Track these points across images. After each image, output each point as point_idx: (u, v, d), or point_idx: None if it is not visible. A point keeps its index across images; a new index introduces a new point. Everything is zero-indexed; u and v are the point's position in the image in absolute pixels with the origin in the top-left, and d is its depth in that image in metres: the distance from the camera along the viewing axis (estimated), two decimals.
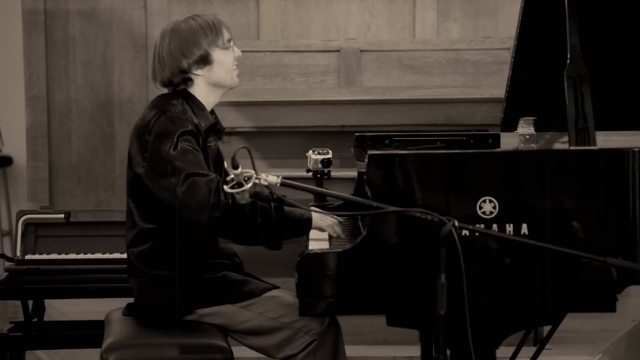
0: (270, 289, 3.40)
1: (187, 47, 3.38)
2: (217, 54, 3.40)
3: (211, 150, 3.45)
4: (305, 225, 3.29)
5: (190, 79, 3.40)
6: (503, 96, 3.79)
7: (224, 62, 3.41)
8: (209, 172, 3.26)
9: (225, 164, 3.51)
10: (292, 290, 3.21)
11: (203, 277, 3.34)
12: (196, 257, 3.34)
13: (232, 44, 3.44)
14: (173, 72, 3.39)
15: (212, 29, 3.40)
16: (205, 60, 3.39)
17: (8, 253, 5.98)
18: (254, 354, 3.44)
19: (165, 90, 3.48)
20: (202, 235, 3.33)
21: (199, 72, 3.40)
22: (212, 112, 3.48)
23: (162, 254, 3.34)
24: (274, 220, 3.23)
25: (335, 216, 3.38)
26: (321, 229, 3.33)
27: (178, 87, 3.42)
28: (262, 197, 3.50)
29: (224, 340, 3.30)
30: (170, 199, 3.24)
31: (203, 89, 3.42)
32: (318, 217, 3.31)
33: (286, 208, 3.27)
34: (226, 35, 3.42)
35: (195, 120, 3.36)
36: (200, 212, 3.19)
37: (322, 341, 3.30)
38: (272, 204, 3.26)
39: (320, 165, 3.88)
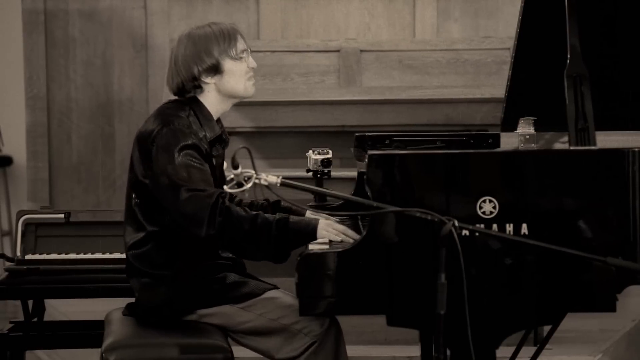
0: (270, 289, 3.40)
1: (199, 55, 3.37)
2: (228, 64, 3.39)
3: (216, 160, 3.44)
4: (310, 236, 3.25)
5: (201, 87, 3.40)
6: (503, 96, 3.80)
7: (235, 72, 3.40)
8: (210, 187, 3.25)
9: (225, 165, 3.51)
10: (292, 291, 3.20)
11: (204, 277, 3.34)
12: (198, 258, 3.34)
13: (246, 54, 3.42)
14: (186, 79, 3.39)
15: (226, 39, 3.39)
16: (215, 69, 3.38)
17: (8, 253, 5.98)
18: (254, 354, 3.44)
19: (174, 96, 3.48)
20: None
21: (208, 80, 3.39)
22: (219, 120, 3.47)
23: (164, 254, 3.34)
24: (275, 236, 3.21)
25: (344, 222, 3.38)
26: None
27: (189, 93, 3.41)
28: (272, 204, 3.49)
29: (224, 340, 3.30)
30: (172, 212, 3.25)
31: (213, 97, 3.41)
32: (324, 227, 3.25)
33: (292, 218, 3.25)
34: (240, 45, 3.40)
35: (201, 134, 3.35)
36: (197, 227, 3.19)
37: (323, 343, 3.30)
38: (277, 216, 3.24)
39: (320, 165, 3.88)
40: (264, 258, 3.27)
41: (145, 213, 3.35)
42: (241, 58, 3.41)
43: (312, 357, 3.29)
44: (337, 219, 3.39)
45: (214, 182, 3.32)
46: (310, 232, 3.24)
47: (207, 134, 3.38)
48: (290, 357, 3.30)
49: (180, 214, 3.22)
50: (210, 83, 3.40)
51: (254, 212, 3.25)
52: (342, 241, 3.26)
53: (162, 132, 3.29)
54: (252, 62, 3.44)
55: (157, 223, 3.34)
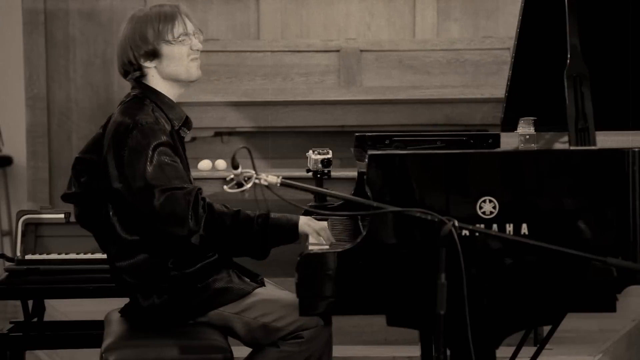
0: (255, 288, 3.38)
1: (134, 40, 3.32)
2: (165, 49, 3.32)
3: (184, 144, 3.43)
4: (292, 232, 3.26)
5: (142, 71, 3.36)
6: (503, 96, 3.79)
7: (174, 56, 3.33)
8: (187, 183, 3.23)
9: (225, 165, 3.50)
10: (292, 290, 3.20)
11: (194, 286, 3.31)
12: (183, 266, 3.31)
13: (188, 37, 3.34)
14: (123, 63, 3.36)
15: (162, 22, 3.31)
16: (153, 54, 3.33)
17: (8, 253, 5.97)
18: None
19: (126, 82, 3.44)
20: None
21: (148, 64, 3.35)
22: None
23: (150, 266, 3.30)
24: (256, 232, 3.22)
25: (325, 219, 3.37)
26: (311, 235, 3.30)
27: (134, 77, 3.36)
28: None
29: (224, 341, 3.30)
30: (149, 215, 3.20)
31: (160, 82, 3.37)
32: (304, 222, 3.27)
33: (273, 215, 3.25)
34: (179, 29, 3.33)
35: (168, 127, 3.31)
36: (179, 225, 3.16)
37: (311, 339, 3.30)
38: (257, 212, 3.23)
39: (320, 165, 3.88)
40: (245, 254, 3.27)
41: (123, 223, 3.30)
42: (180, 41, 3.34)
43: (295, 347, 3.29)
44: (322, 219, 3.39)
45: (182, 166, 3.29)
46: (291, 228, 3.25)
47: (175, 122, 3.36)
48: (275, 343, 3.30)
49: (159, 216, 3.18)
50: (150, 67, 3.35)
51: (235, 209, 3.24)
52: (327, 240, 3.26)
53: (132, 134, 3.23)
54: (196, 44, 3.36)
55: (137, 232, 3.30)
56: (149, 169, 3.19)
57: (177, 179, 3.21)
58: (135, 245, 3.31)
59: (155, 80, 3.37)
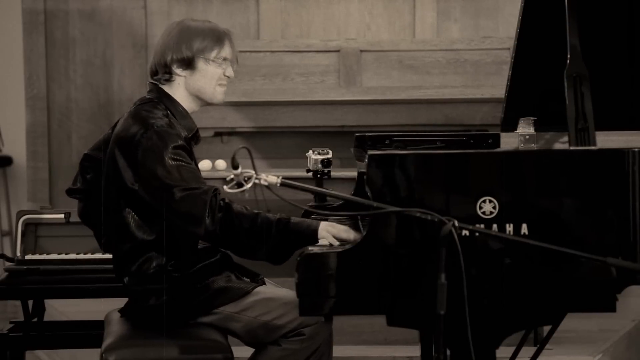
0: (255, 287, 3.38)
1: (178, 44, 3.35)
2: (201, 63, 3.37)
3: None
4: (312, 238, 3.24)
5: (171, 77, 3.38)
6: (503, 96, 3.80)
7: (207, 74, 3.37)
8: (203, 184, 3.24)
9: (225, 165, 3.50)
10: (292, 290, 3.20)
11: (194, 287, 3.31)
12: (183, 267, 3.31)
13: (227, 63, 3.39)
14: (158, 63, 3.38)
15: (211, 39, 3.36)
16: (188, 64, 3.36)
17: (8, 253, 5.98)
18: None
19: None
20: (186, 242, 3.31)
21: (179, 71, 3.37)
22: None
23: (152, 267, 3.31)
24: (274, 236, 3.20)
25: (325, 219, 3.37)
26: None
27: (160, 81, 3.38)
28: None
29: (224, 340, 3.30)
30: (167, 214, 3.21)
31: (182, 93, 3.39)
32: (324, 228, 3.24)
33: (293, 220, 3.24)
34: (224, 52, 3.38)
35: (183, 133, 3.33)
36: (196, 225, 3.17)
37: (312, 337, 3.29)
38: (278, 216, 3.23)
39: (320, 165, 3.88)
40: (263, 258, 3.26)
41: (137, 222, 3.31)
42: (218, 63, 3.38)
43: (296, 344, 3.29)
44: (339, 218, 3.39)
45: None
46: (310, 233, 3.23)
47: (186, 132, 3.36)
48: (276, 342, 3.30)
49: (177, 215, 3.20)
50: (180, 76, 3.37)
51: (255, 211, 3.24)
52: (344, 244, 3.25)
53: (147, 135, 3.25)
54: (230, 72, 3.41)
55: (152, 231, 3.30)
56: (167, 169, 3.20)
57: (194, 179, 3.22)
58: (146, 245, 3.31)
59: (179, 89, 3.39)
